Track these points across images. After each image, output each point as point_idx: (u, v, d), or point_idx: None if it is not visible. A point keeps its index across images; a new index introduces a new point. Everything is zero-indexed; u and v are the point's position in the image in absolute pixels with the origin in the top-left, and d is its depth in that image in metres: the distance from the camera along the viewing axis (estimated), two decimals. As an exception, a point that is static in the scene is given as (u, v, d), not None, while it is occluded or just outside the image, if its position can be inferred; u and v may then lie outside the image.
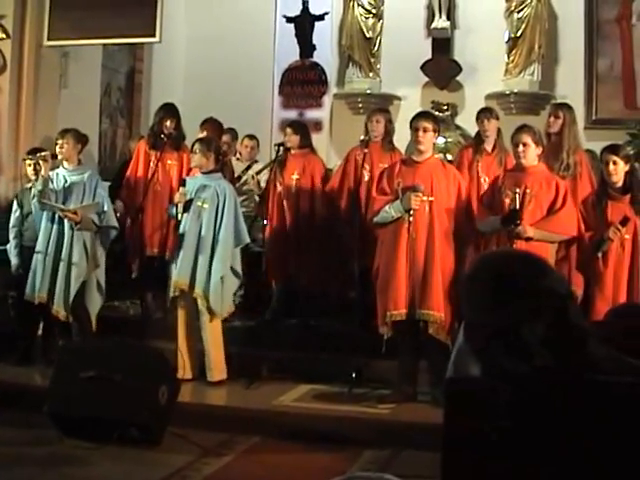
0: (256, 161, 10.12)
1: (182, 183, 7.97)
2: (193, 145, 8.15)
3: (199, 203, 7.84)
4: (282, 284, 8.95)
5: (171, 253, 8.18)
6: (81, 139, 8.53)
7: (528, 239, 6.72)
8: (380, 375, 7.54)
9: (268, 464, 6.25)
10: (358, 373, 7.41)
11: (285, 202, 8.80)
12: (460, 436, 2.21)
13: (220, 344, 7.85)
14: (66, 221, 8.12)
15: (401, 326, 7.02)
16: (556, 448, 2.22)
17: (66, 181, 8.29)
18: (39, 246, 8.19)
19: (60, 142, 8.32)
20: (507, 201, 6.88)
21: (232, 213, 7.86)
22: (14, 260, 8.52)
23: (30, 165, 8.65)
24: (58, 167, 8.43)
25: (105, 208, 8.26)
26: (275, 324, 8.82)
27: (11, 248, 8.54)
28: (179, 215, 7.84)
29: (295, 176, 8.80)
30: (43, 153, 8.65)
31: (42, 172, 8.45)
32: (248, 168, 9.89)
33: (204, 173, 8.01)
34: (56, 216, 8.19)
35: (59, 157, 8.39)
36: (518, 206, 6.77)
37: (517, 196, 6.79)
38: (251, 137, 10.18)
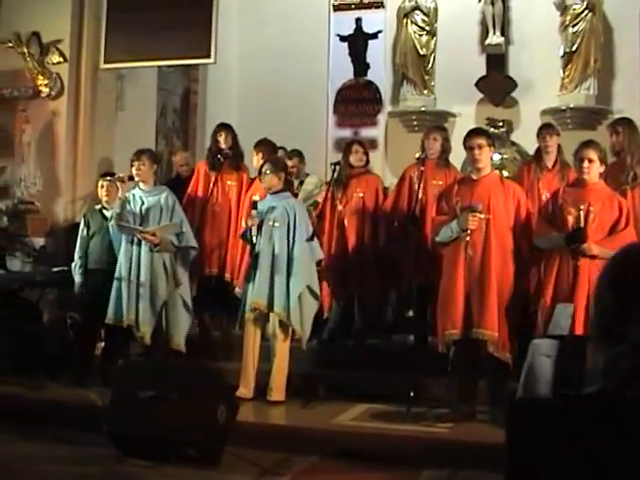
0: (304, 176, 10.12)
1: (253, 206, 7.96)
2: (262, 166, 8.14)
3: (270, 223, 7.84)
4: (340, 303, 8.93)
5: (246, 274, 8.18)
6: (156, 159, 8.54)
7: (592, 257, 6.63)
8: (438, 394, 7.48)
9: (326, 484, 6.24)
10: (416, 392, 7.36)
11: (346, 220, 8.77)
12: (528, 460, 2.16)
13: (285, 365, 7.85)
14: (144, 243, 8.10)
15: (459, 344, 6.97)
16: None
17: (143, 202, 8.25)
18: (120, 269, 8.15)
19: (136, 164, 8.24)
20: (570, 218, 6.77)
21: (304, 229, 7.87)
22: (77, 278, 8.57)
23: (102, 187, 8.69)
24: (134, 188, 8.41)
25: (184, 229, 8.23)
26: (332, 343, 8.81)
27: (76, 267, 8.58)
28: (254, 238, 7.85)
29: (360, 194, 8.78)
30: (121, 175, 8.66)
31: (120, 194, 8.45)
32: (300, 184, 9.88)
33: (273, 193, 8.02)
34: (135, 238, 8.15)
35: (136, 179, 8.34)
36: (583, 223, 6.69)
37: (581, 213, 6.71)
38: (291, 156, 10.09)
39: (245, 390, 7.77)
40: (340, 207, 8.79)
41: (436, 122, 11.45)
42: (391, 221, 8.70)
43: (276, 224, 7.85)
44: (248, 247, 8.10)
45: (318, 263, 8.18)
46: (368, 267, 8.71)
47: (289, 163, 9.85)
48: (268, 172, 8.00)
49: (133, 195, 8.32)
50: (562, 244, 6.75)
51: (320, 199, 9.12)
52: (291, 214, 7.87)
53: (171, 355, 8.17)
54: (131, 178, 8.47)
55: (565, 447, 2.15)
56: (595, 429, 2.18)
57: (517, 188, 7.32)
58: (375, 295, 8.86)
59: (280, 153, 9.92)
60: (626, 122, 8.08)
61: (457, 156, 8.82)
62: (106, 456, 6.45)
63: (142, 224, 8.18)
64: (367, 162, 8.98)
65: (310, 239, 7.89)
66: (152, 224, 8.18)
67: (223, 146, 9.11)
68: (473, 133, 7.33)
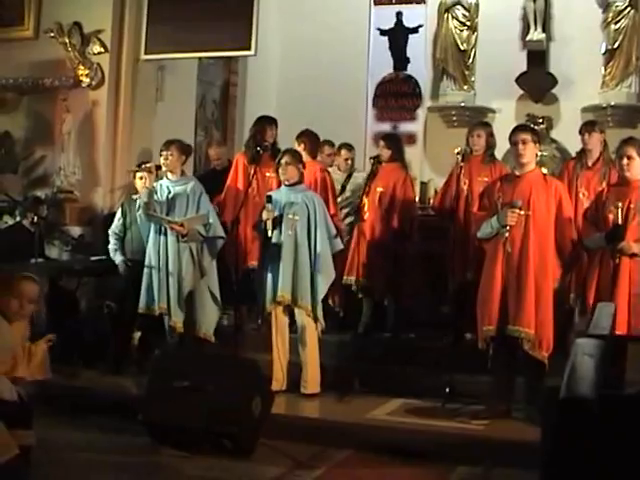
0: (354, 170, 10.12)
1: (268, 199, 7.86)
2: (281, 158, 8.04)
3: (290, 216, 7.81)
4: (372, 298, 8.93)
5: (259, 267, 8.18)
6: (185, 150, 8.52)
7: (632, 255, 6.57)
8: (474, 390, 7.45)
9: (360, 478, 6.22)
10: (452, 388, 7.34)
11: (369, 215, 8.78)
12: (570, 456, 2.15)
13: (317, 357, 7.84)
14: (170, 233, 8.13)
15: (496, 341, 6.93)
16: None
17: (170, 192, 8.28)
18: (149, 258, 8.21)
19: (165, 154, 8.28)
20: (611, 217, 6.73)
21: (323, 221, 7.86)
22: (118, 258, 8.64)
23: (142, 178, 8.74)
24: (162, 178, 8.43)
25: (211, 219, 8.23)
26: (368, 338, 8.80)
27: (111, 249, 8.68)
28: (269, 232, 7.80)
29: (380, 189, 8.79)
30: (148, 165, 8.67)
31: (147, 184, 8.48)
32: (349, 177, 9.88)
33: (289, 185, 7.97)
34: (162, 228, 8.19)
35: (163, 169, 8.37)
36: (621, 221, 6.62)
37: (619, 211, 6.64)
38: (349, 148, 10.11)
39: (275, 383, 7.77)
40: (365, 201, 8.79)
41: (476, 118, 11.45)
42: (432, 218, 8.72)
43: (296, 217, 7.81)
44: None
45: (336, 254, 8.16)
46: (395, 264, 8.71)
47: (343, 154, 9.87)
48: (290, 163, 7.92)
49: (160, 185, 8.36)
50: (604, 243, 6.72)
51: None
52: (311, 207, 7.84)
53: (200, 344, 8.22)
54: (159, 168, 8.49)
55: (608, 446, 2.14)
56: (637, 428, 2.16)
57: (559, 185, 7.24)
58: (406, 291, 8.85)
59: (328, 149, 9.97)
60: None
61: (498, 150, 8.78)
62: (141, 445, 6.49)
63: (168, 213, 8.22)
64: (393, 156, 8.93)
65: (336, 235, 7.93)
66: (178, 213, 8.21)
67: (270, 139, 9.07)
68: (518, 128, 7.27)
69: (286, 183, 7.97)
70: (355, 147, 10.25)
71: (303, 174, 8.16)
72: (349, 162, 9.95)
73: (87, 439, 6.78)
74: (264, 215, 7.81)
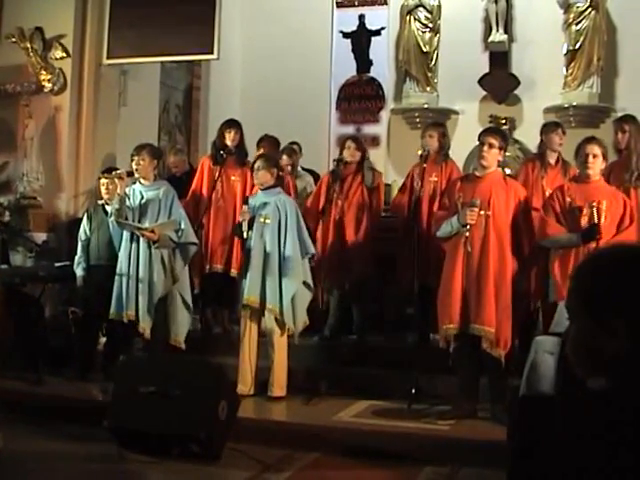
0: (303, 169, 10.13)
1: (244, 201, 7.98)
2: (254, 162, 8.16)
3: (261, 219, 7.85)
4: (337, 299, 8.93)
5: (240, 272, 8.20)
6: (156, 155, 8.48)
7: None
8: (439, 391, 7.49)
9: (328, 480, 6.23)
10: (417, 389, 7.36)
11: (342, 216, 8.77)
12: (532, 454, 2.16)
13: (285, 361, 7.86)
14: (142, 239, 8.05)
15: (460, 341, 6.96)
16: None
17: (142, 197, 8.20)
18: (121, 265, 8.12)
19: (136, 159, 8.20)
20: (582, 216, 6.76)
21: (295, 225, 7.87)
22: (79, 273, 8.59)
23: (104, 184, 8.68)
24: (135, 183, 8.36)
25: (182, 225, 8.16)
26: (333, 340, 8.80)
27: (77, 262, 8.62)
28: (244, 233, 7.84)
29: (358, 190, 8.78)
30: (119, 171, 8.62)
31: (118, 190, 8.42)
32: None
33: (264, 189, 8.01)
34: (134, 235, 8.10)
35: (135, 174, 8.30)
36: (597, 220, 6.67)
37: (594, 210, 6.70)
38: (290, 153, 9.95)
39: (243, 387, 7.78)
40: (339, 202, 8.79)
41: (439, 119, 11.46)
42: (396, 218, 8.74)
43: (267, 220, 7.85)
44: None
45: (311, 257, 8.17)
46: (363, 265, 8.71)
47: (284, 160, 9.82)
48: (261, 168, 7.99)
49: (133, 190, 8.29)
50: (575, 243, 6.74)
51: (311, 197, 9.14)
52: (282, 210, 7.87)
53: (170, 351, 8.15)
54: (130, 174, 8.44)
55: (568, 442, 2.16)
56: (598, 424, 2.18)
57: (519, 187, 7.32)
58: (371, 293, 8.87)
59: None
60: (632, 119, 8.04)
61: (461, 152, 8.84)
62: (107, 451, 6.43)
63: (140, 218, 8.15)
64: (363, 158, 8.95)
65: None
66: (150, 218, 8.15)
67: (229, 143, 9.05)
68: (488, 131, 7.35)
69: (260, 187, 8.02)
70: (319, 150, 10.25)
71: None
72: (289, 168, 9.83)
73: (52, 446, 6.74)
74: (240, 217, 7.91)
